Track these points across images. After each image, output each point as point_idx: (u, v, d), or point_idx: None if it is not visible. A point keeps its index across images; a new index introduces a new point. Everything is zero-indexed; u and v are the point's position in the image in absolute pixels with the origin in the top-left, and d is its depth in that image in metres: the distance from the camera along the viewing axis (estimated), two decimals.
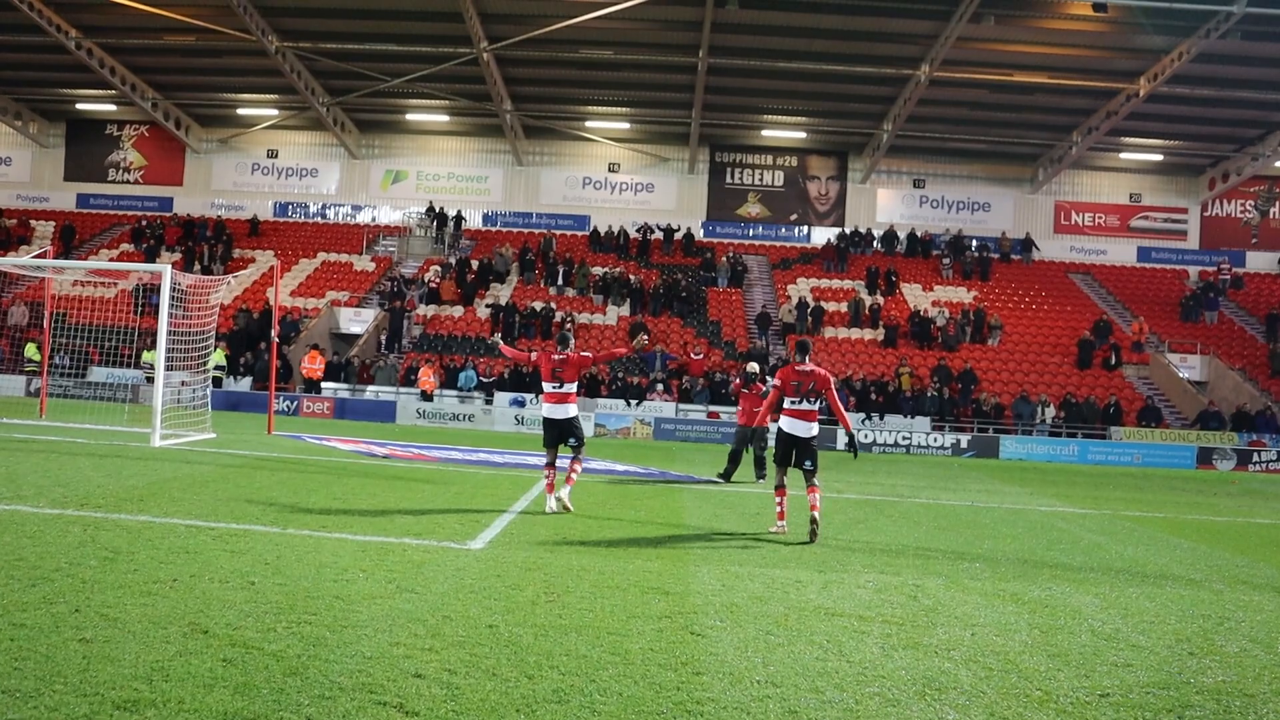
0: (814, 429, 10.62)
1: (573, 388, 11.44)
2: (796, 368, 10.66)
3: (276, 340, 21.16)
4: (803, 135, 42.12)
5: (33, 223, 41.98)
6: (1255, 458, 28.23)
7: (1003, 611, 7.35)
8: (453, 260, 39.17)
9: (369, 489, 12.40)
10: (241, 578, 7.02)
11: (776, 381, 10.82)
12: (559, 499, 11.08)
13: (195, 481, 12.06)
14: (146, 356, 26.19)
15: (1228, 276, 41.30)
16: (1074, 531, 12.27)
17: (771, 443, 12.91)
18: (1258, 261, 42.83)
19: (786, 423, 10.64)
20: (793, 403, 10.57)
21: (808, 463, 10.54)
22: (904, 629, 6.64)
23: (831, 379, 10.77)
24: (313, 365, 29.26)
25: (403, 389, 30.00)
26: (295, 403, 28.61)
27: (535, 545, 9.07)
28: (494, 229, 43.29)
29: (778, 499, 10.71)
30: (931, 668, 5.76)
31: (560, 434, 11.40)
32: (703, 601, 7.14)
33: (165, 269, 15.99)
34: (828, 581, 8.12)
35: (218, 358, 28.93)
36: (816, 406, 10.59)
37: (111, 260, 37.85)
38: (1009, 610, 7.41)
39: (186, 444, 16.65)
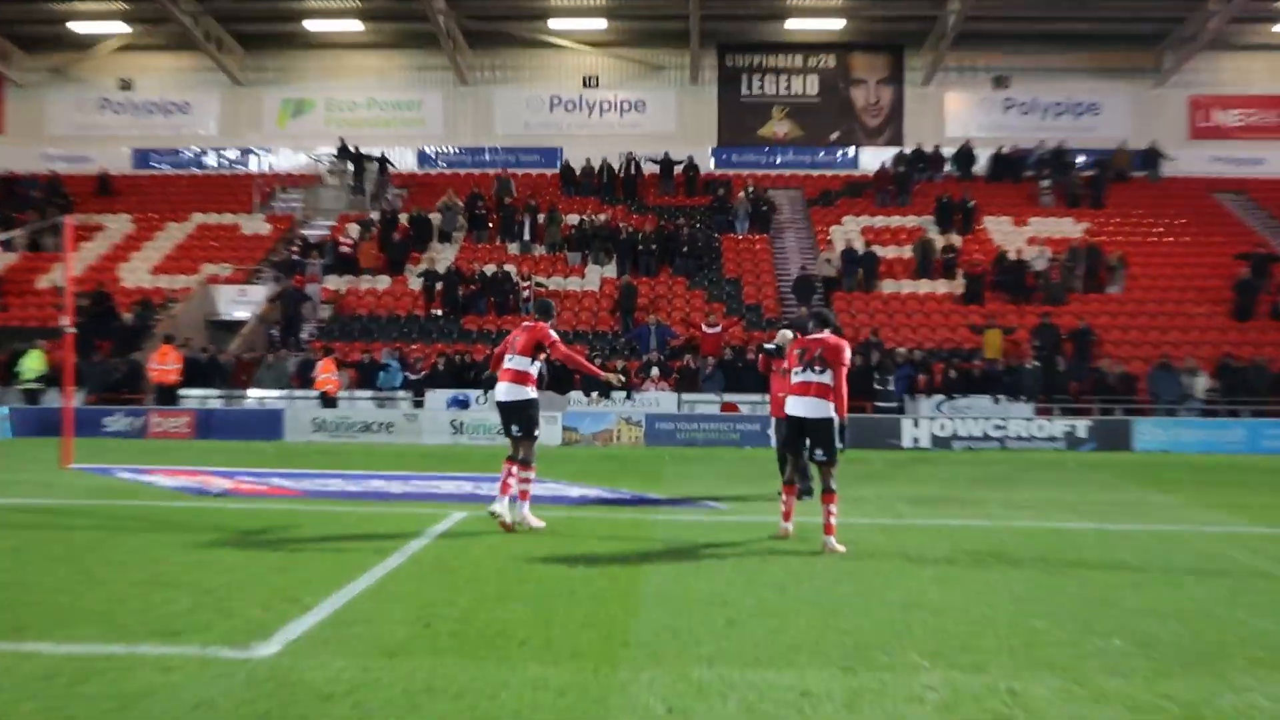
0: (823, 408, 10.85)
1: (526, 364, 11.65)
2: (806, 337, 11.33)
3: (73, 332, 18.91)
4: (841, 25, 40.96)
5: None
6: None
7: None
8: (375, 215, 37.58)
9: (155, 553, 10.19)
10: None
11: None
12: (518, 523, 11.35)
13: None
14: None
15: None
16: (1268, 569, 10.01)
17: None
18: None
19: (790, 403, 11.18)
20: (796, 373, 11.09)
21: (819, 451, 10.86)
22: None
23: (846, 348, 11.07)
24: (163, 365, 27.22)
25: (297, 393, 28.36)
26: (141, 419, 26.79)
27: (367, 643, 6.87)
28: (434, 171, 42.86)
29: (784, 495, 11.40)
30: None
31: (507, 421, 11.69)
32: None
33: None
34: (857, 691, 5.95)
35: (34, 361, 27.01)
36: (824, 378, 10.86)
37: None
38: None
39: None
